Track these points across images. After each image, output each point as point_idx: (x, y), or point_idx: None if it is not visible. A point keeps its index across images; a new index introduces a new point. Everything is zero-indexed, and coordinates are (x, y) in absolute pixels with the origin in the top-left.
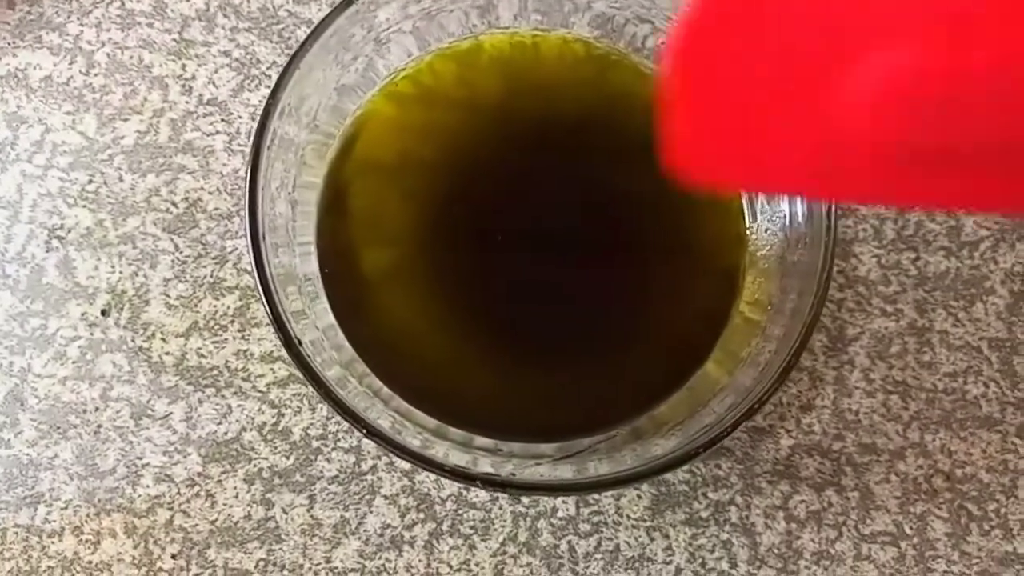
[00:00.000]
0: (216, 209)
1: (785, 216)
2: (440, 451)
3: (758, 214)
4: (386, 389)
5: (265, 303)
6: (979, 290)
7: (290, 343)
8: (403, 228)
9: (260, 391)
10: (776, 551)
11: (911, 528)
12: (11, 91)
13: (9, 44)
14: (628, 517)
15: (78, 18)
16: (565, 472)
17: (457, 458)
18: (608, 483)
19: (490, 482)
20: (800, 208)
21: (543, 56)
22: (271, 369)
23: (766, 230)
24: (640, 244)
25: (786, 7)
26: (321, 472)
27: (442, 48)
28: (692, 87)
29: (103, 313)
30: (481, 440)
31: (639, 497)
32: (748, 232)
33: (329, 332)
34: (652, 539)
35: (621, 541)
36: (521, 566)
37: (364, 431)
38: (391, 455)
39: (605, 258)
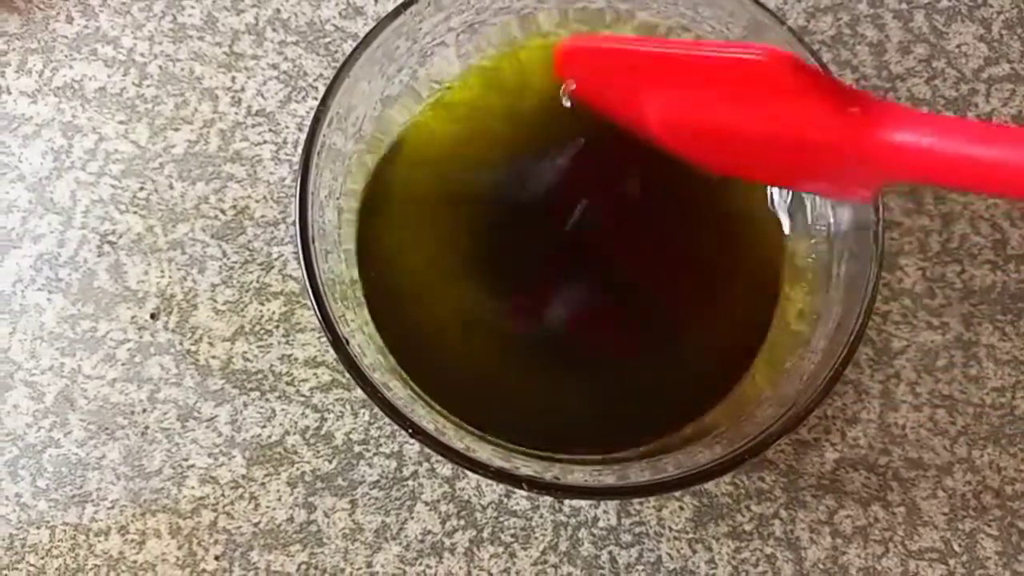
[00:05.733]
0: (263, 216)
1: (831, 227)
2: (483, 455)
3: (803, 226)
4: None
5: (315, 305)
6: None
7: (338, 343)
8: (443, 237)
9: (303, 395)
10: (821, 566)
11: (960, 545)
12: (67, 101)
13: (67, 56)
14: (670, 529)
15: (132, 31)
16: (608, 478)
17: (500, 462)
18: (651, 489)
19: (535, 484)
20: (846, 219)
21: None
22: (314, 374)
23: (812, 241)
24: (681, 252)
25: (611, 58)
26: (363, 477)
27: (482, 60)
28: (568, 65)
29: (152, 317)
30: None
31: (681, 508)
32: (788, 242)
33: (375, 337)
34: (694, 551)
35: (663, 553)
36: (562, 575)
37: (409, 431)
38: (433, 459)
39: (646, 268)
